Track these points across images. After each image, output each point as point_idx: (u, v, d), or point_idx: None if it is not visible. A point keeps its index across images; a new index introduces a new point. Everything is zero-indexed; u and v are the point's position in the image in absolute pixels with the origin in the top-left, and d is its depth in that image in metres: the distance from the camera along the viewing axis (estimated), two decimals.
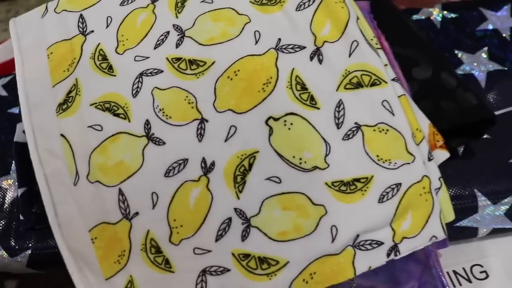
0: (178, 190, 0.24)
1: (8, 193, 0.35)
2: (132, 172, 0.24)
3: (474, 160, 0.31)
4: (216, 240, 0.23)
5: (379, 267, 0.29)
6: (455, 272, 0.31)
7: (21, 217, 0.34)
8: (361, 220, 0.24)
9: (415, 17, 0.38)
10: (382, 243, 0.24)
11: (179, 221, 0.24)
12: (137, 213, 0.24)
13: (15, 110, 0.39)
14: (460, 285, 0.30)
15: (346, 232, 0.24)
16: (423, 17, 0.38)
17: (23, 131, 0.36)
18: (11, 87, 0.41)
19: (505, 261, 0.30)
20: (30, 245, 0.33)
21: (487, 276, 0.30)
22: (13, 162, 0.36)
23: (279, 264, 0.23)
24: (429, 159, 0.25)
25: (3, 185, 0.35)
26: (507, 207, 0.30)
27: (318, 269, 0.24)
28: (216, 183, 0.24)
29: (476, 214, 0.30)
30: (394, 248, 0.24)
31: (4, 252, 0.33)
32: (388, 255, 0.24)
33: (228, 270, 0.23)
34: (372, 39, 0.25)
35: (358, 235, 0.24)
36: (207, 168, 0.24)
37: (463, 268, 0.31)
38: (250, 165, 0.24)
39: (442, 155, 0.27)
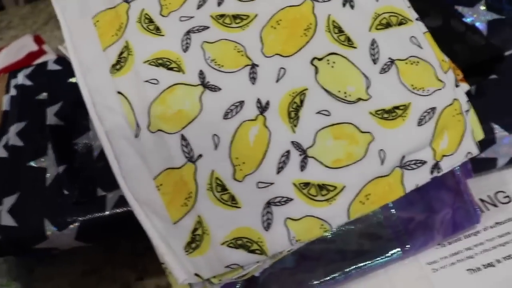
0: (237, 130, 0.25)
1: (48, 172, 0.36)
2: (192, 118, 0.26)
3: (486, 97, 0.34)
4: (277, 172, 0.25)
5: (415, 199, 0.32)
6: (481, 200, 0.33)
7: (66, 192, 0.35)
8: (404, 142, 0.26)
9: None
10: (425, 162, 0.26)
11: (241, 159, 0.25)
12: (200, 155, 0.25)
13: (42, 97, 0.40)
14: (488, 210, 0.33)
15: (393, 155, 0.26)
16: None
17: (54, 114, 0.38)
18: (35, 76, 0.42)
19: None
20: (77, 218, 0.34)
21: (511, 200, 0.33)
22: (48, 144, 0.37)
23: (337, 189, 0.26)
24: (456, 86, 0.28)
25: (42, 166, 0.36)
26: None
27: (372, 190, 0.26)
28: (272, 120, 0.26)
29: (495, 145, 0.33)
30: (436, 166, 0.26)
31: (52, 227, 0.34)
32: (432, 172, 0.26)
33: (291, 199, 0.25)
34: None
35: (403, 156, 0.26)
36: (262, 107, 0.26)
37: (488, 196, 0.34)
38: (302, 101, 0.26)
39: (463, 87, 0.30)
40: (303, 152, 0.26)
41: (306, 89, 0.26)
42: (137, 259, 0.38)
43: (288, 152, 0.25)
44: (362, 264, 0.31)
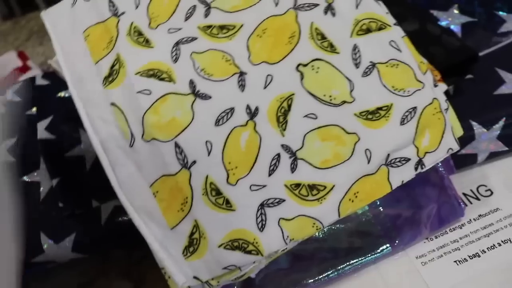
0: (229, 135, 0.26)
1: (41, 186, 0.36)
2: (185, 126, 0.26)
3: (464, 96, 0.36)
4: (269, 175, 0.26)
5: (402, 196, 0.33)
6: (464, 194, 0.35)
7: (60, 205, 0.35)
8: (389, 141, 0.27)
9: None
10: (409, 159, 0.28)
11: (234, 163, 0.26)
12: (194, 162, 0.26)
13: (32, 112, 0.40)
14: (471, 203, 0.34)
15: (378, 153, 0.27)
16: None
17: (45, 129, 0.39)
18: (23, 92, 0.42)
19: (505, 178, 0.35)
20: (73, 230, 0.35)
21: (492, 193, 0.35)
22: (40, 158, 0.38)
23: (326, 189, 0.27)
24: (435, 86, 0.29)
25: (35, 180, 0.37)
26: (499, 132, 0.35)
27: (360, 188, 0.27)
28: (262, 125, 0.27)
29: (474, 142, 0.35)
30: (420, 162, 0.28)
31: (49, 240, 0.34)
32: (416, 168, 0.28)
33: (284, 200, 0.26)
34: None
35: (388, 155, 0.27)
36: (252, 113, 0.27)
37: (471, 190, 0.35)
38: (289, 106, 0.27)
39: (442, 87, 0.31)
40: (292, 154, 0.27)
41: (293, 94, 0.27)
42: (133, 268, 0.39)
43: (278, 155, 0.27)
44: (354, 261, 0.32)
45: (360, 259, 0.32)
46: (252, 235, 0.26)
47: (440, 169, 0.33)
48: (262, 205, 0.26)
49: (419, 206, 0.33)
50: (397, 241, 0.32)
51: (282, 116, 0.27)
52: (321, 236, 0.33)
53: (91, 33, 0.29)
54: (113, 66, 0.28)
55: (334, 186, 0.27)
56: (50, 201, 0.36)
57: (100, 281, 0.40)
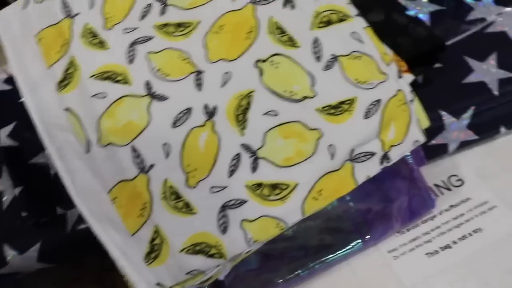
0: (187, 137, 0.26)
1: (4, 196, 0.35)
2: (142, 129, 0.26)
3: (433, 86, 0.35)
4: (230, 175, 0.26)
5: (372, 190, 0.33)
6: (435, 185, 0.35)
7: (23, 214, 0.34)
8: (352, 136, 0.27)
9: None
10: (374, 153, 0.27)
11: (193, 165, 0.26)
12: (152, 165, 0.25)
13: None
14: (442, 194, 0.34)
15: (342, 149, 0.27)
16: None
17: (7, 136, 0.37)
18: None
19: (475, 168, 0.35)
20: (38, 239, 0.34)
21: (463, 182, 0.34)
22: (3, 166, 0.36)
23: (289, 188, 0.26)
24: (399, 77, 0.28)
25: None
26: (468, 120, 0.34)
27: (324, 185, 0.26)
28: (220, 125, 0.26)
29: (444, 131, 0.34)
30: (385, 156, 0.27)
31: (13, 251, 0.33)
32: (381, 163, 0.27)
33: (245, 201, 0.26)
34: None
35: (353, 150, 0.27)
36: (210, 113, 0.26)
37: (442, 180, 0.35)
38: (248, 104, 0.26)
39: (408, 77, 0.31)
40: (253, 153, 0.26)
41: (252, 91, 0.26)
42: (105, 275, 0.38)
43: (238, 155, 0.26)
44: (324, 258, 0.31)
45: (331, 256, 0.31)
46: (215, 238, 0.26)
47: (410, 161, 0.32)
48: (223, 207, 0.26)
49: (389, 200, 0.32)
50: (368, 236, 0.32)
51: (242, 115, 0.26)
52: (290, 234, 0.32)
53: (44, 36, 0.28)
54: (67, 70, 0.27)
55: (297, 184, 0.26)
56: (13, 210, 0.34)
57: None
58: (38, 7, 0.29)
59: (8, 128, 0.38)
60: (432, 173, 0.35)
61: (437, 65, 0.36)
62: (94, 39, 0.28)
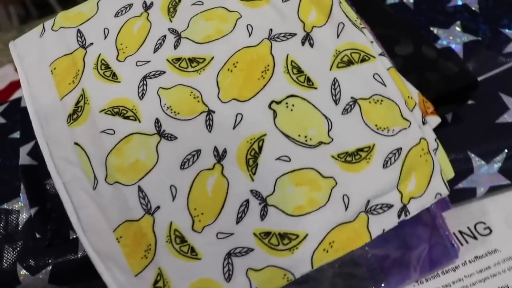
0: (195, 180, 0.25)
1: (20, 215, 0.36)
2: (149, 169, 0.25)
3: (463, 125, 0.33)
4: (237, 222, 0.25)
5: (391, 236, 0.31)
6: (460, 232, 0.32)
7: (37, 235, 0.34)
8: (369, 186, 0.25)
9: (389, 1, 0.41)
10: (392, 206, 0.25)
11: (200, 209, 0.25)
12: (158, 207, 0.25)
13: (15, 135, 0.40)
14: (467, 243, 0.32)
15: (357, 200, 0.25)
16: (397, 1, 0.40)
17: (27, 154, 0.38)
18: (8, 114, 0.42)
19: (505, 215, 0.32)
20: (50, 261, 0.34)
21: (491, 231, 0.32)
22: (21, 184, 0.37)
23: (299, 238, 0.25)
24: (423, 123, 0.27)
25: (14, 208, 0.36)
26: (500, 164, 0.32)
27: (336, 237, 0.25)
28: (230, 169, 0.25)
29: (473, 175, 0.32)
30: (404, 209, 0.25)
31: (25, 271, 0.33)
32: (399, 216, 0.25)
33: (252, 249, 0.25)
34: (356, 20, 0.27)
35: (369, 201, 0.25)
36: (219, 156, 0.25)
37: (468, 227, 0.32)
38: (260, 148, 0.25)
39: (434, 120, 0.29)
40: (263, 200, 0.25)
41: (264, 135, 0.25)
42: None
43: (247, 201, 0.25)
44: None
45: None
46: (219, 285, 0.25)
47: (432, 208, 0.30)
48: (229, 254, 0.25)
49: (408, 247, 0.31)
50: (383, 285, 0.30)
51: (252, 159, 0.25)
52: (302, 276, 0.31)
53: (58, 66, 0.28)
54: (78, 102, 0.27)
55: (307, 235, 0.25)
56: (29, 231, 0.35)
57: None
58: (53, 36, 0.29)
59: (29, 146, 0.38)
60: (457, 218, 0.33)
61: (469, 102, 0.34)
62: (107, 71, 0.27)
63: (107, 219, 0.25)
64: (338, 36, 0.27)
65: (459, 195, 0.33)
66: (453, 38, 0.36)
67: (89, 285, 0.39)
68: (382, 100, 0.26)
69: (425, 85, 0.31)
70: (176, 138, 0.25)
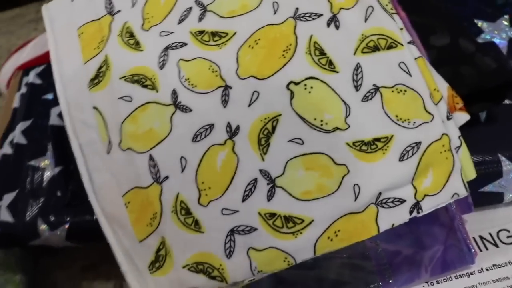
0: (205, 154, 0.25)
1: (45, 173, 0.37)
2: (161, 139, 0.25)
3: (497, 125, 0.31)
4: (243, 200, 0.25)
5: (404, 232, 0.30)
6: (481, 237, 0.31)
7: (58, 194, 0.36)
8: (382, 178, 0.24)
9: None
10: (404, 201, 0.24)
11: (207, 183, 0.25)
12: (167, 177, 0.25)
13: (49, 96, 0.41)
14: (487, 249, 0.30)
15: (369, 191, 0.24)
16: None
17: (58, 115, 0.39)
18: (45, 75, 0.43)
19: None
20: (68, 219, 0.35)
21: None
22: (49, 144, 0.38)
23: (304, 223, 0.24)
24: (448, 118, 0.25)
25: (41, 166, 0.38)
26: None
27: (342, 227, 0.24)
28: (241, 146, 0.25)
29: (501, 179, 0.30)
30: (417, 206, 0.24)
31: (45, 225, 0.35)
32: (411, 212, 0.24)
33: (255, 229, 0.25)
34: (387, 5, 0.26)
35: (380, 193, 0.24)
36: (232, 132, 0.25)
37: (490, 233, 0.31)
38: (274, 128, 0.25)
39: (462, 117, 0.27)
40: (271, 181, 0.24)
41: (279, 115, 0.25)
42: None
43: (255, 180, 0.25)
44: None
45: None
46: (219, 261, 0.25)
47: (452, 208, 0.29)
48: (232, 231, 0.25)
49: (422, 246, 0.29)
50: (390, 281, 0.29)
51: (264, 139, 0.25)
52: (310, 262, 0.30)
53: (85, 31, 0.29)
54: (100, 68, 0.27)
55: (312, 220, 0.24)
56: (51, 188, 0.36)
57: (102, 266, 0.41)
58: (84, 1, 0.29)
59: (59, 108, 0.39)
60: (480, 222, 0.31)
61: (506, 101, 0.31)
62: (130, 39, 0.27)
63: (118, 184, 0.26)
64: (366, 20, 0.25)
65: (484, 198, 0.31)
66: (498, 33, 0.34)
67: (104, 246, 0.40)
68: (405, 90, 0.25)
69: (458, 80, 0.29)
70: (191, 110, 0.25)
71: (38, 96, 0.42)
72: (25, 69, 0.44)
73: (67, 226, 0.35)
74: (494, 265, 0.29)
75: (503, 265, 0.29)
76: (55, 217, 0.35)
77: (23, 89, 0.42)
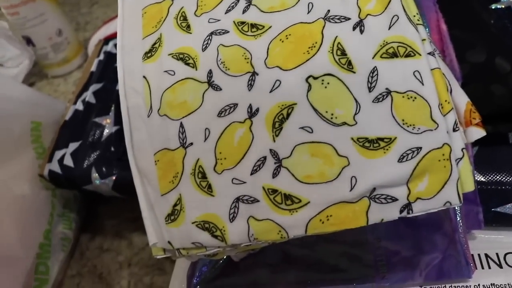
0: (226, 128, 0.28)
1: (105, 130, 0.43)
2: (192, 110, 0.29)
3: None
4: (251, 174, 0.28)
5: (406, 234, 0.31)
6: (486, 255, 0.31)
7: (112, 149, 0.41)
8: (379, 175, 0.26)
9: (494, 5, 0.38)
10: (396, 199, 0.26)
11: (224, 154, 0.28)
12: (191, 143, 0.29)
13: None
14: (489, 268, 0.30)
15: (364, 184, 0.26)
16: (503, 6, 0.38)
17: None
18: None
19: None
20: (116, 172, 0.41)
21: None
22: (113, 106, 0.44)
23: (301, 203, 0.27)
24: (454, 130, 0.26)
25: (103, 123, 0.44)
26: None
27: (334, 212, 0.27)
28: (257, 126, 0.28)
29: None
30: (408, 206, 0.26)
31: (96, 174, 0.41)
32: (401, 211, 0.26)
33: (258, 200, 0.28)
34: (414, 16, 0.27)
35: (374, 188, 0.26)
36: (252, 112, 0.28)
37: (496, 254, 0.31)
38: (288, 115, 0.27)
39: (477, 132, 0.28)
40: (278, 161, 0.27)
41: (295, 104, 0.27)
42: None
43: (264, 158, 0.27)
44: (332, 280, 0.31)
45: (338, 279, 0.31)
46: (222, 223, 0.28)
47: (456, 220, 0.29)
48: (238, 199, 0.28)
49: (421, 251, 0.31)
50: (384, 277, 0.31)
51: (279, 123, 0.27)
52: (314, 244, 0.33)
53: (148, 11, 0.33)
54: (154, 44, 0.32)
55: (309, 202, 0.27)
56: (108, 143, 0.42)
57: (142, 221, 0.47)
58: None
59: None
60: (489, 241, 0.31)
61: None
62: (183, 22, 0.32)
63: (151, 143, 0.30)
64: (389, 27, 0.27)
65: (497, 218, 0.31)
66: None
67: None
68: (415, 97, 0.26)
69: (488, 98, 0.30)
70: (221, 89, 0.29)
71: (111, 64, 0.48)
72: (105, 39, 0.51)
73: (114, 177, 0.41)
74: (492, 284, 0.30)
75: (502, 286, 0.29)
76: (106, 168, 0.41)
77: (101, 56, 0.49)
